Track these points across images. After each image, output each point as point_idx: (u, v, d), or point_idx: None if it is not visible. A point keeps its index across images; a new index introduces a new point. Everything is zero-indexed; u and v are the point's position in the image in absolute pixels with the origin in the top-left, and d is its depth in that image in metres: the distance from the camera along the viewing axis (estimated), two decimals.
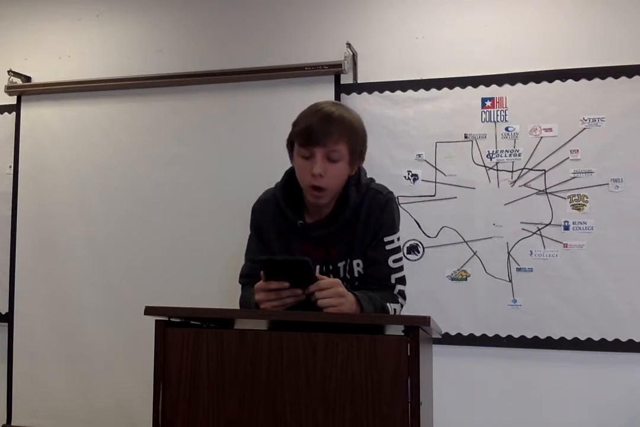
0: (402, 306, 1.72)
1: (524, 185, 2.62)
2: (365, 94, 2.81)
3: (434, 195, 2.70)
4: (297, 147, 1.67)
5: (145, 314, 1.48)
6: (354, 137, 1.64)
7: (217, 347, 1.45)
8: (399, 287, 1.70)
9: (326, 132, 1.59)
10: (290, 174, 1.78)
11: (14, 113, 3.21)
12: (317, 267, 1.71)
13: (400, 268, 1.72)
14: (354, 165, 1.68)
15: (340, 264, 1.72)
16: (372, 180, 1.77)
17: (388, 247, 1.70)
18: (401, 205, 2.69)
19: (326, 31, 2.91)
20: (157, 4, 3.14)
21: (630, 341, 2.49)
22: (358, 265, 1.70)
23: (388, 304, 1.64)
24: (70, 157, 3.10)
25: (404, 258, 1.77)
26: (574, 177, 2.58)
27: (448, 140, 2.71)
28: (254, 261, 1.76)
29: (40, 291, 3.07)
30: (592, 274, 2.53)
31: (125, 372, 2.91)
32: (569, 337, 2.54)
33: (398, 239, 1.72)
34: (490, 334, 2.61)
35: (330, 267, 1.72)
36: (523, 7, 2.70)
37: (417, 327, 1.36)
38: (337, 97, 2.77)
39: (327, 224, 1.70)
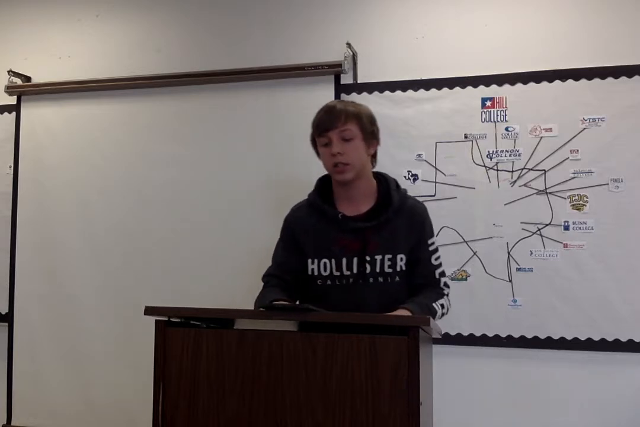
0: (447, 295, 1.95)
1: (524, 185, 2.62)
2: (365, 94, 2.81)
3: (434, 196, 2.70)
4: (317, 139, 1.91)
5: (145, 314, 1.49)
6: (360, 117, 1.88)
7: (217, 347, 1.45)
8: (442, 280, 1.96)
9: (333, 117, 1.86)
10: (320, 181, 2.02)
11: (14, 113, 3.21)
12: (355, 259, 1.87)
13: (441, 264, 1.98)
14: (368, 142, 1.91)
15: (378, 257, 1.88)
16: (406, 191, 2.00)
17: (430, 248, 1.95)
18: None
19: (326, 31, 2.91)
20: (156, 4, 3.14)
21: (630, 341, 2.49)
22: (401, 260, 1.89)
23: (434, 304, 1.85)
24: (70, 157, 3.10)
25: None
26: (574, 177, 2.58)
27: (448, 140, 2.71)
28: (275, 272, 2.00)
29: (40, 291, 3.07)
30: (592, 274, 2.53)
31: (125, 372, 2.91)
32: (569, 337, 2.54)
33: (436, 240, 1.99)
34: (490, 334, 2.61)
35: (368, 258, 1.87)
36: (523, 7, 2.70)
37: (417, 327, 1.36)
38: (337, 97, 2.77)
39: (367, 218, 1.89)
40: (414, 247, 1.91)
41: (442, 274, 1.97)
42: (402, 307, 1.74)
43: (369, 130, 1.90)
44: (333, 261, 1.89)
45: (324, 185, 1.99)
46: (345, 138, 1.85)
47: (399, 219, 1.90)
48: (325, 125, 1.85)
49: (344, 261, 1.88)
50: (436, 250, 1.96)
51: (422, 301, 1.82)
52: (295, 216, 1.99)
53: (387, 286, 1.89)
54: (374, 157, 1.98)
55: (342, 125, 1.84)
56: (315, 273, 1.91)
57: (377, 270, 1.88)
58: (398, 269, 1.89)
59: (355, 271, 1.87)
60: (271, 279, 1.96)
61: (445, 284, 1.96)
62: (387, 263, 1.88)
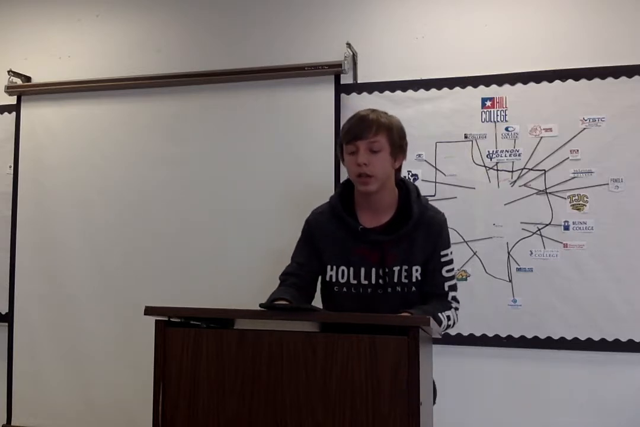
0: (456, 309, 1.94)
1: (524, 185, 2.62)
2: (365, 94, 2.81)
3: (434, 196, 2.70)
4: (345, 146, 1.89)
5: (145, 314, 1.48)
6: (391, 130, 1.86)
7: (217, 347, 1.45)
8: (451, 293, 1.93)
9: (365, 126, 1.84)
10: (343, 185, 1.99)
11: (14, 113, 3.21)
12: (373, 269, 1.89)
13: (453, 277, 1.96)
14: (395, 157, 1.89)
15: (396, 269, 1.89)
16: (427, 200, 1.98)
17: (443, 259, 1.92)
18: None
19: (326, 31, 2.91)
20: (156, 4, 3.14)
21: (630, 341, 2.49)
22: (417, 271, 1.90)
23: (440, 314, 1.83)
24: (70, 157, 3.10)
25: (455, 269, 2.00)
26: (574, 177, 2.58)
27: (448, 140, 2.71)
28: (296, 264, 1.99)
29: (40, 290, 3.07)
30: (592, 274, 2.53)
31: (125, 372, 2.91)
32: (569, 337, 2.54)
33: (451, 253, 1.96)
34: (490, 334, 2.61)
35: (386, 270, 1.89)
36: (523, 7, 2.70)
37: (417, 327, 1.36)
38: (337, 97, 2.77)
39: (386, 231, 1.89)
40: (428, 257, 1.91)
41: (452, 287, 1.95)
42: (406, 311, 1.74)
43: (398, 144, 1.88)
44: (351, 269, 1.90)
45: (346, 190, 1.97)
46: (373, 149, 1.83)
47: (418, 231, 1.89)
48: (355, 133, 1.84)
49: (362, 270, 1.89)
50: (449, 262, 1.94)
51: (427, 309, 1.82)
52: (317, 220, 1.98)
53: (403, 295, 1.90)
54: (398, 170, 1.95)
55: (373, 137, 1.82)
56: (333, 280, 1.93)
57: (395, 280, 1.89)
58: (414, 279, 1.90)
59: (373, 281, 1.89)
60: (289, 277, 1.95)
61: (454, 298, 1.94)
62: (403, 274, 1.89)
